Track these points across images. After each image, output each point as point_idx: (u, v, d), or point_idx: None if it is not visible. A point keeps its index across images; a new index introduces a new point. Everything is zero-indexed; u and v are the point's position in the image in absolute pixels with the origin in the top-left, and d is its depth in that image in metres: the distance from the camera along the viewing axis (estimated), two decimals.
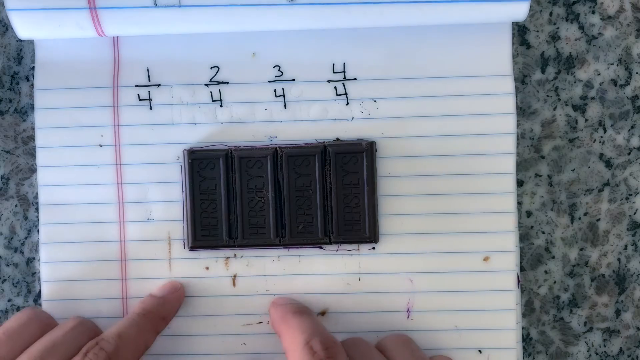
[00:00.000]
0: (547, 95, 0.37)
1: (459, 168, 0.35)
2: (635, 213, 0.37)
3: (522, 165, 0.37)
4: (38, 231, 0.36)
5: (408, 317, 0.35)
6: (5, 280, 0.37)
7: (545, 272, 0.37)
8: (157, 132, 0.36)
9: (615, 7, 0.36)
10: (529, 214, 0.37)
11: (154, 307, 0.34)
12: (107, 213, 0.36)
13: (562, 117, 0.37)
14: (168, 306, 0.35)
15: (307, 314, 0.33)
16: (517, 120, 0.36)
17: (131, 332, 0.32)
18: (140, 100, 0.36)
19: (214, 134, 0.36)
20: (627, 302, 0.37)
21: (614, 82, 0.37)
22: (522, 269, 0.37)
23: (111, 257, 0.36)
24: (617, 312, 0.37)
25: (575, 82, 0.37)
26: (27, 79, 0.37)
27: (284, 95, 0.36)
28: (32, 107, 0.37)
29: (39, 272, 0.37)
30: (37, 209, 0.37)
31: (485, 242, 0.35)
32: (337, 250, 0.36)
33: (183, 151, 0.35)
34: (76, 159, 0.36)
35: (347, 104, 0.36)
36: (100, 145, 0.36)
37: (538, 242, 0.37)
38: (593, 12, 0.36)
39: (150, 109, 0.36)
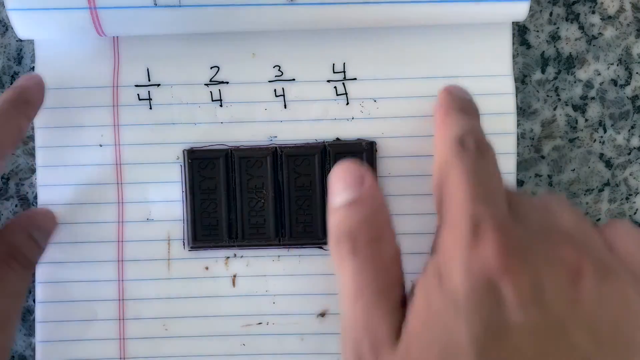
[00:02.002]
0: (547, 95, 0.37)
1: None
2: (635, 213, 0.37)
3: (522, 165, 0.37)
4: None
5: None
6: None
7: None
8: (157, 132, 0.36)
9: (615, 7, 0.36)
10: None
11: (11, 95, 0.33)
12: (107, 213, 0.36)
13: (562, 117, 0.37)
14: (28, 91, 0.34)
15: (472, 113, 0.30)
16: (517, 120, 0.36)
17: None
18: (140, 100, 0.36)
19: (214, 134, 0.36)
20: None
21: (614, 82, 0.37)
22: None
23: (108, 257, 0.36)
24: None
25: (575, 82, 0.37)
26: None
27: (284, 95, 0.36)
28: None
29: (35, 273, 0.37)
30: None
31: None
32: None
33: (183, 151, 0.35)
34: (76, 159, 0.36)
35: (347, 103, 0.36)
36: (100, 145, 0.36)
37: None
38: (593, 12, 0.36)
39: (150, 108, 0.36)
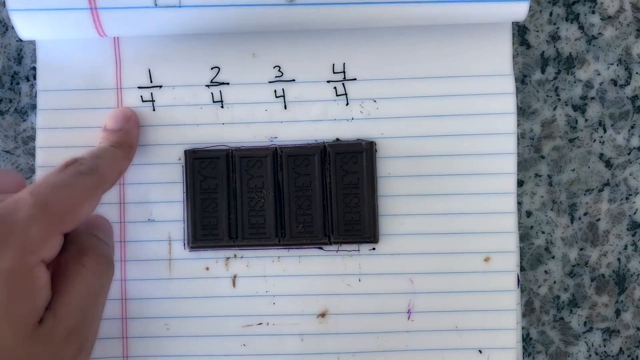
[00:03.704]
0: (547, 95, 0.37)
1: (459, 168, 0.35)
2: (635, 213, 0.37)
3: (522, 165, 0.37)
4: None
5: (409, 318, 0.35)
6: None
7: (545, 272, 0.37)
8: (160, 133, 0.36)
9: (615, 7, 0.36)
10: (529, 214, 0.37)
11: (121, 138, 0.35)
12: (108, 213, 0.36)
13: (562, 117, 0.37)
14: (131, 134, 0.35)
15: None
16: (517, 120, 0.36)
17: (107, 155, 0.33)
18: (143, 101, 0.36)
19: (215, 135, 0.36)
20: (627, 302, 0.37)
21: (614, 82, 0.37)
22: (522, 269, 0.37)
23: None
24: (617, 312, 0.37)
25: (575, 82, 0.37)
26: (27, 79, 0.37)
27: (284, 96, 0.36)
28: (32, 107, 0.37)
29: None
30: None
31: (485, 243, 0.35)
32: (337, 251, 0.36)
33: (184, 151, 0.35)
34: None
35: (347, 104, 0.36)
36: None
37: (538, 242, 0.37)
38: (593, 12, 0.36)
39: (154, 110, 0.36)
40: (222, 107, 0.36)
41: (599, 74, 0.37)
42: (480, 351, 0.35)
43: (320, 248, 0.36)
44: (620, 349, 0.37)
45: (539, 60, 0.37)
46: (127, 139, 0.35)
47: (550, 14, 0.37)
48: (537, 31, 0.37)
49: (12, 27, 0.33)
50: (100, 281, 0.31)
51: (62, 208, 0.29)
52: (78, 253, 0.31)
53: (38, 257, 0.28)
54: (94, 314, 0.31)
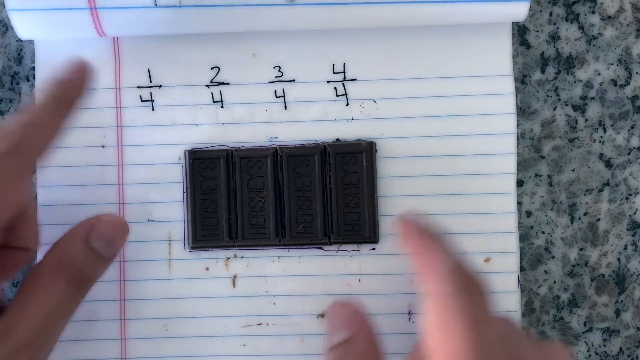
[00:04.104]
0: (547, 95, 0.37)
1: (459, 168, 0.35)
2: (635, 213, 0.37)
3: (522, 165, 0.37)
4: None
5: (409, 319, 0.35)
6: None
7: (545, 272, 0.37)
8: (159, 133, 0.36)
9: (615, 7, 0.36)
10: (529, 214, 0.37)
11: (56, 89, 0.29)
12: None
13: (562, 117, 0.37)
14: (74, 87, 0.29)
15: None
16: (517, 120, 0.36)
17: (38, 120, 0.27)
18: (142, 101, 0.36)
19: (215, 135, 0.36)
20: (627, 302, 0.37)
21: (614, 82, 0.37)
22: (522, 269, 0.37)
23: None
24: (617, 312, 0.37)
25: (575, 82, 0.37)
26: (27, 79, 0.37)
27: (284, 96, 0.36)
28: None
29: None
30: (36, 209, 0.37)
31: (486, 243, 0.35)
32: (337, 251, 0.36)
33: (184, 151, 0.35)
34: (77, 159, 0.36)
35: (347, 104, 0.36)
36: (103, 146, 0.36)
37: (538, 242, 0.37)
38: (593, 12, 0.36)
39: (153, 110, 0.36)
40: (222, 107, 0.36)
41: (599, 74, 0.37)
42: None
43: (321, 248, 0.36)
44: (620, 349, 0.37)
45: (539, 60, 0.37)
46: (67, 93, 0.29)
47: (550, 14, 0.37)
48: (537, 31, 0.37)
49: (12, 27, 0.33)
50: (69, 303, 0.29)
51: None
52: (56, 265, 0.29)
53: None
54: (51, 333, 0.29)
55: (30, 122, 0.27)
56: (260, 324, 0.36)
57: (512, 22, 0.35)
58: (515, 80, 0.36)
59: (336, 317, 0.30)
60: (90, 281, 0.30)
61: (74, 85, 0.29)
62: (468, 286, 0.26)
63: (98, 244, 0.30)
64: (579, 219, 0.37)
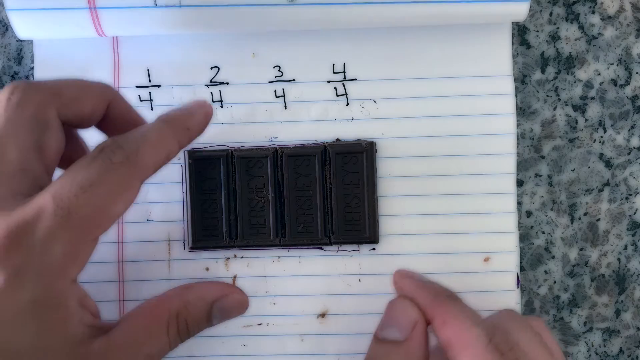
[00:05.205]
0: (547, 95, 0.37)
1: (459, 168, 0.35)
2: (635, 213, 0.37)
3: (522, 165, 0.37)
4: None
5: None
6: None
7: (545, 272, 0.37)
8: None
9: (615, 7, 0.36)
10: (529, 214, 0.37)
11: (178, 116, 0.30)
12: None
13: (562, 117, 0.37)
14: (194, 118, 0.30)
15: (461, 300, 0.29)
16: (517, 120, 0.36)
17: (153, 136, 0.28)
18: (141, 101, 0.36)
19: (215, 135, 0.35)
20: (627, 302, 0.37)
21: (614, 82, 0.37)
22: (522, 269, 0.37)
23: (108, 258, 0.36)
24: (617, 312, 0.37)
25: (575, 82, 0.37)
26: (27, 79, 0.37)
27: (284, 96, 0.36)
28: None
29: None
30: None
31: (485, 243, 0.35)
32: (337, 251, 0.36)
33: (184, 152, 0.35)
34: None
35: (347, 104, 0.36)
36: None
37: (538, 242, 0.37)
38: (593, 12, 0.36)
39: (152, 109, 0.36)
40: (221, 107, 0.36)
41: (599, 74, 0.37)
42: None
43: (321, 248, 0.36)
44: (620, 349, 0.37)
45: (539, 60, 0.37)
46: (185, 120, 0.30)
47: (550, 14, 0.37)
48: (537, 31, 0.37)
49: (12, 27, 0.33)
50: (164, 351, 0.28)
51: (90, 213, 0.25)
52: (175, 315, 0.28)
53: (67, 279, 0.25)
54: None
55: (147, 139, 0.27)
56: (260, 324, 0.36)
57: (512, 22, 0.35)
58: (515, 80, 0.36)
59: (400, 313, 0.29)
60: (190, 337, 0.29)
61: (195, 118, 0.30)
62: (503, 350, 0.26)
63: (217, 315, 0.30)
64: (579, 219, 0.37)
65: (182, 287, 0.30)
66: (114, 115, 0.30)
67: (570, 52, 0.37)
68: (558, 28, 0.37)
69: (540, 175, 0.37)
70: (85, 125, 0.30)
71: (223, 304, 0.30)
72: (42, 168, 0.27)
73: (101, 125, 0.30)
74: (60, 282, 0.25)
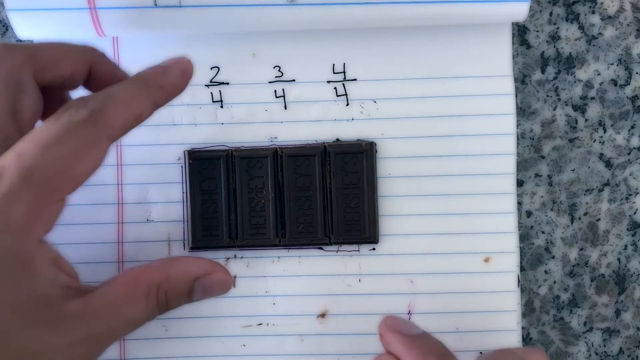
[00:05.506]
0: (547, 95, 0.37)
1: (459, 168, 0.35)
2: (635, 213, 0.37)
3: (522, 165, 0.37)
4: None
5: (409, 319, 0.35)
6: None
7: (545, 272, 0.37)
8: (159, 133, 0.36)
9: (615, 7, 0.36)
10: (529, 214, 0.37)
11: (151, 74, 0.29)
12: (106, 214, 0.36)
13: (562, 117, 0.37)
14: (169, 75, 0.29)
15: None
16: (517, 120, 0.36)
17: (121, 93, 0.27)
18: None
19: (215, 135, 0.35)
20: (627, 302, 0.37)
21: (614, 82, 0.37)
22: (522, 269, 0.37)
23: (109, 258, 0.36)
24: (617, 312, 0.37)
25: (575, 82, 0.37)
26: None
27: (284, 96, 0.36)
28: None
29: None
30: None
31: (485, 243, 0.35)
32: (337, 251, 0.36)
33: (184, 152, 0.35)
34: None
35: (347, 104, 0.36)
36: None
37: (538, 242, 0.37)
38: (593, 12, 0.36)
39: None
40: (221, 107, 0.36)
41: (599, 74, 0.37)
42: (481, 353, 0.35)
43: (321, 248, 0.36)
44: (620, 349, 0.37)
45: (539, 60, 0.37)
46: (159, 78, 0.29)
47: (550, 14, 0.37)
48: (537, 31, 0.37)
49: (12, 27, 0.33)
50: (144, 321, 0.28)
51: (52, 173, 0.25)
52: (156, 286, 0.28)
53: (31, 238, 0.25)
54: (114, 340, 0.28)
55: (111, 96, 0.27)
56: (260, 324, 0.36)
57: (512, 22, 0.35)
58: (515, 80, 0.36)
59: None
60: (168, 311, 0.29)
61: (170, 75, 0.29)
62: None
63: (198, 291, 0.29)
64: (579, 219, 0.37)
65: (166, 259, 0.30)
66: (98, 76, 0.29)
67: (570, 52, 0.37)
68: (558, 28, 0.37)
69: (540, 175, 0.37)
70: (68, 87, 0.29)
71: (205, 282, 0.29)
72: (15, 129, 0.27)
73: (89, 87, 0.30)
74: (24, 240, 0.24)
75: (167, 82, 0.29)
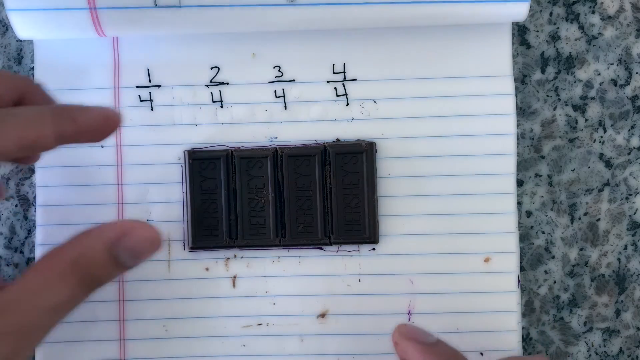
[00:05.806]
0: (547, 95, 0.37)
1: (459, 169, 0.35)
2: (635, 213, 0.37)
3: (522, 165, 0.37)
4: None
5: (409, 319, 0.35)
6: (5, 280, 0.37)
7: (545, 272, 0.37)
8: (158, 133, 0.36)
9: (615, 7, 0.36)
10: (529, 214, 0.37)
11: (69, 106, 0.28)
12: (106, 214, 0.36)
13: (562, 117, 0.37)
14: (87, 113, 0.28)
15: None
16: (517, 120, 0.36)
17: (25, 113, 0.27)
18: (141, 101, 0.35)
19: (215, 135, 0.35)
20: (627, 302, 0.37)
21: (614, 82, 0.37)
22: (522, 269, 0.37)
23: None
24: (617, 312, 0.37)
25: (575, 82, 0.37)
26: None
27: (284, 96, 0.36)
28: None
29: None
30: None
31: (485, 243, 0.35)
32: (337, 251, 0.36)
33: (184, 152, 0.35)
34: (76, 160, 0.35)
35: (347, 104, 0.36)
36: (102, 146, 0.35)
37: (538, 242, 0.37)
38: (593, 12, 0.36)
39: (152, 109, 0.36)
40: (221, 107, 0.36)
41: (599, 74, 0.37)
42: (481, 353, 0.35)
43: (321, 248, 0.36)
44: (620, 349, 0.37)
45: (539, 60, 0.37)
46: (74, 111, 0.28)
47: (550, 14, 0.37)
48: (537, 31, 0.37)
49: (12, 27, 0.33)
50: (72, 304, 0.27)
51: None
52: (70, 264, 0.27)
53: None
54: (44, 329, 0.27)
55: (14, 112, 0.27)
56: (260, 324, 0.36)
57: (512, 22, 0.35)
58: (515, 80, 0.36)
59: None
60: (101, 285, 0.28)
61: (88, 114, 0.28)
62: None
63: (124, 255, 0.27)
64: (579, 219, 0.37)
65: (80, 233, 0.28)
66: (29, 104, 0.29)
67: (570, 52, 0.37)
68: (558, 28, 0.37)
69: (540, 175, 0.37)
70: None
71: (127, 243, 0.27)
72: None
73: None
74: None
75: (82, 117, 0.28)
